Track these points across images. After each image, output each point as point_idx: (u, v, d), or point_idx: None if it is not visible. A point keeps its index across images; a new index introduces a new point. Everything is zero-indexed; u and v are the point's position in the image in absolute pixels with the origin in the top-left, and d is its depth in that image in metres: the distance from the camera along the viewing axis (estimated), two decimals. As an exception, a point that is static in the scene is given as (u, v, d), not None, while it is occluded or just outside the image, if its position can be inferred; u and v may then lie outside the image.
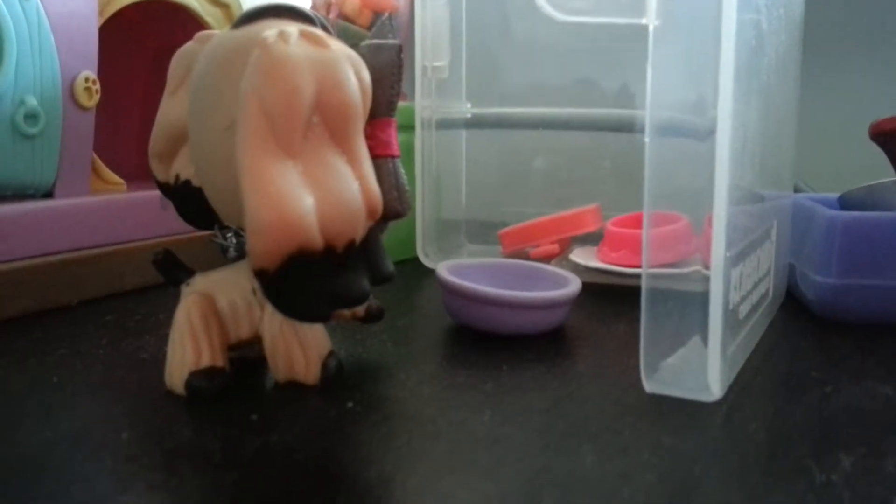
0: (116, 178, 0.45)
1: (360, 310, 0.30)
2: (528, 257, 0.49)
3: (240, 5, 0.54)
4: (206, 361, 0.26)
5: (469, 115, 0.53)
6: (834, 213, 0.35)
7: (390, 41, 0.24)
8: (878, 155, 0.43)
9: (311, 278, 0.20)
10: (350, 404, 0.26)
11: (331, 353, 0.28)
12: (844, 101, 0.70)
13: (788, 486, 0.20)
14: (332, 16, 0.51)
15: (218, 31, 0.26)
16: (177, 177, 0.28)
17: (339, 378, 0.27)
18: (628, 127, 0.49)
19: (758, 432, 0.23)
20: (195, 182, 0.26)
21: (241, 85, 0.20)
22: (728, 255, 0.24)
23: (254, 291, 0.27)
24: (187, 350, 0.26)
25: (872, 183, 0.40)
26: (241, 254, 0.28)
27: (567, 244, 0.49)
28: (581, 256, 0.46)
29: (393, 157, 0.24)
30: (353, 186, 0.21)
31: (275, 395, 0.27)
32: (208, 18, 0.51)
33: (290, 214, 0.19)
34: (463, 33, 0.51)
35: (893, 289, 0.34)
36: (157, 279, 0.44)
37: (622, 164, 0.52)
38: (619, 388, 0.27)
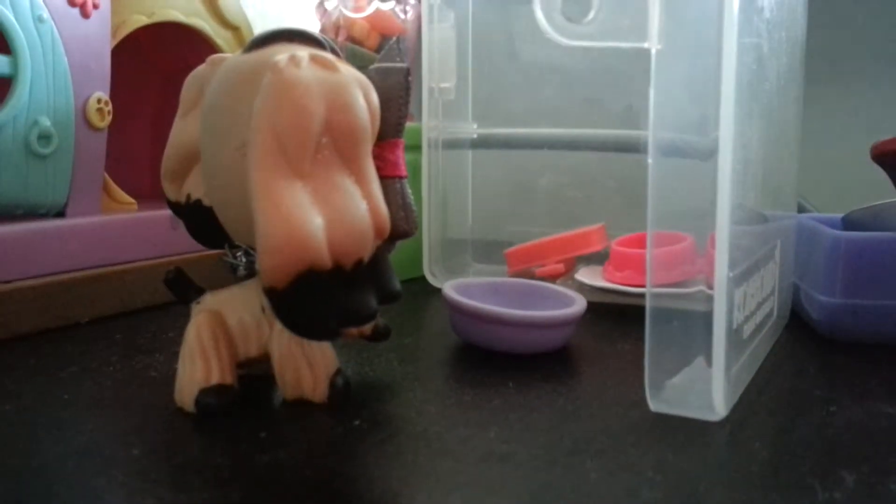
0: (127, 198, 0.46)
1: (368, 328, 0.31)
2: (533, 276, 0.49)
3: (250, 28, 0.54)
4: (215, 379, 0.26)
5: (475, 136, 0.53)
6: (838, 233, 0.36)
7: (398, 64, 0.24)
8: (882, 175, 0.43)
9: (320, 296, 0.20)
10: (357, 422, 0.26)
11: (338, 372, 0.28)
12: (848, 122, 0.70)
13: (792, 503, 0.20)
14: (340, 38, 0.52)
15: (230, 55, 0.26)
16: (188, 196, 0.28)
17: (346, 396, 0.28)
18: (633, 147, 0.49)
19: (761, 451, 0.24)
20: (206, 202, 0.27)
21: (252, 107, 0.21)
22: (731, 274, 0.24)
23: (262, 309, 0.27)
24: (197, 367, 0.26)
25: (876, 203, 0.41)
26: (251, 272, 0.29)
27: (572, 264, 0.50)
28: (586, 276, 0.46)
29: (401, 177, 0.25)
30: (362, 206, 0.21)
31: (283, 412, 0.27)
32: (219, 41, 0.52)
33: (301, 233, 0.20)
34: (469, 55, 0.52)
35: (897, 309, 0.35)
36: (167, 298, 0.44)
37: (627, 184, 0.52)
38: (624, 406, 0.27)
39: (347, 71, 0.22)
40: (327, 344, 0.28)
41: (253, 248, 0.26)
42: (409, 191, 0.25)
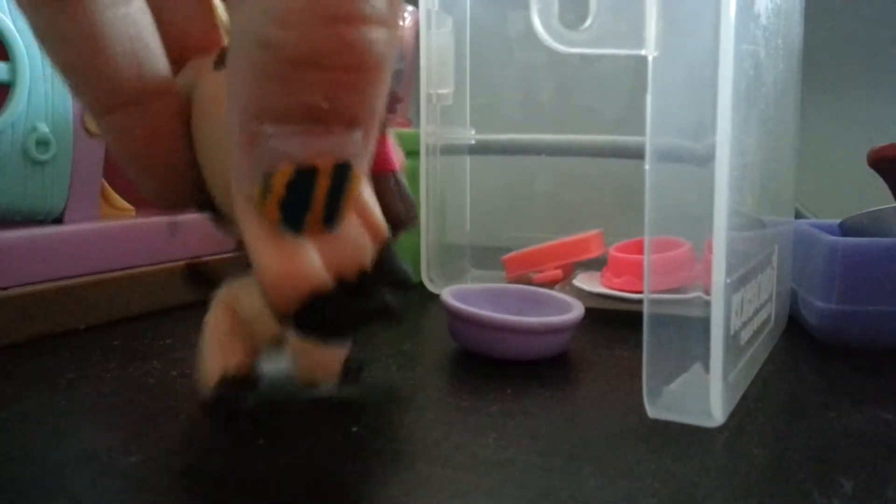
0: (125, 204, 0.46)
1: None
2: (531, 282, 0.49)
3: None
4: (232, 370, 0.26)
5: (473, 142, 0.53)
6: (835, 238, 0.36)
7: None
8: (879, 181, 0.43)
9: (329, 312, 0.20)
10: (355, 428, 0.26)
11: (348, 357, 0.27)
12: (845, 128, 0.70)
13: (790, 510, 0.20)
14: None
15: (205, 68, 0.24)
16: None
17: (356, 377, 0.27)
18: (631, 153, 0.49)
19: (760, 456, 0.24)
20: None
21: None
22: (728, 280, 0.24)
23: None
24: (215, 359, 0.26)
25: (873, 209, 0.41)
26: None
27: (570, 270, 0.50)
28: (584, 282, 0.46)
29: (393, 171, 0.24)
30: (354, 221, 0.21)
31: (281, 418, 0.27)
32: (217, 47, 0.52)
33: (296, 265, 0.19)
34: (467, 61, 0.52)
35: (894, 314, 0.35)
36: (165, 304, 0.44)
37: (625, 190, 0.52)
38: (623, 412, 0.27)
39: None
40: None
41: None
42: (403, 182, 0.25)
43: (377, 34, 0.16)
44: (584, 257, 0.49)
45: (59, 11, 0.19)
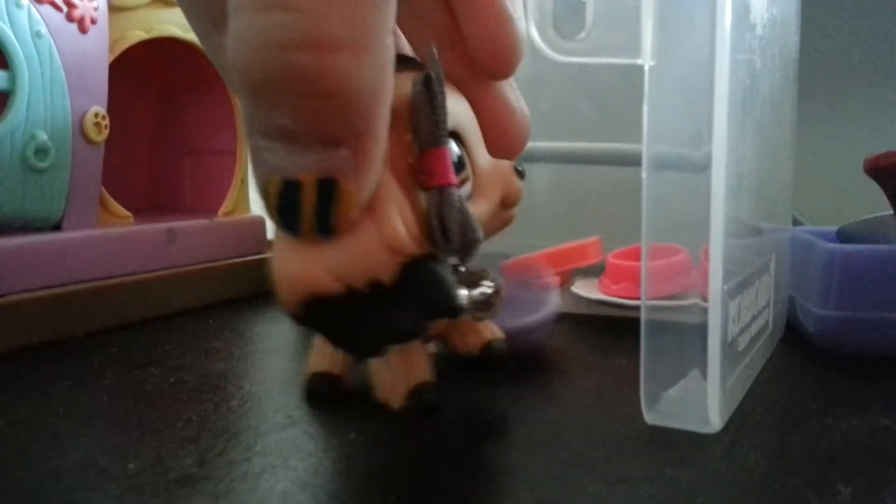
0: (124, 212, 0.46)
1: (476, 345, 0.30)
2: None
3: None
4: (323, 367, 0.29)
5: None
6: (833, 245, 0.36)
7: (421, 72, 0.24)
8: (877, 189, 0.43)
9: (336, 318, 0.20)
10: (353, 435, 0.26)
11: (426, 384, 0.27)
12: (842, 136, 0.70)
13: (788, 517, 0.20)
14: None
15: None
16: None
17: (428, 411, 0.27)
18: (629, 161, 0.49)
19: (758, 463, 0.24)
20: None
21: None
22: (725, 287, 0.24)
23: None
24: (314, 357, 0.29)
25: (871, 216, 0.41)
26: None
27: (569, 276, 0.50)
28: (583, 288, 0.46)
29: (445, 186, 0.23)
30: (368, 231, 0.20)
31: (277, 429, 0.27)
32: (216, 55, 0.52)
33: (295, 268, 0.20)
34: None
35: (893, 321, 0.35)
36: (163, 311, 0.44)
37: (623, 197, 0.52)
38: (621, 419, 0.27)
39: None
40: (421, 353, 0.27)
41: None
42: (454, 200, 0.23)
43: (337, 61, 0.16)
44: (583, 264, 0.49)
45: None
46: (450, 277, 0.22)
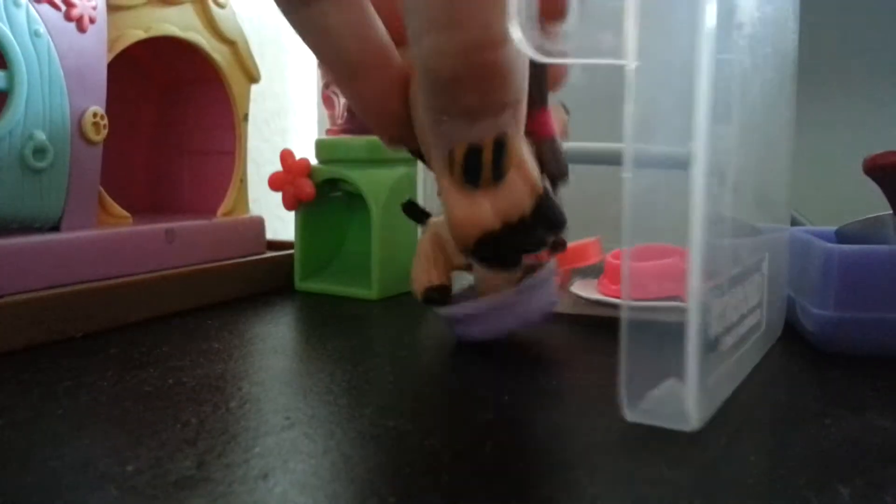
0: (122, 212, 0.46)
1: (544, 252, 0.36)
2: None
3: (246, 43, 0.55)
4: (435, 281, 0.38)
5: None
6: (832, 245, 0.36)
7: None
8: (876, 189, 0.43)
9: (498, 248, 0.27)
10: (353, 436, 0.26)
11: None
12: (841, 135, 0.70)
13: (788, 518, 0.20)
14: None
15: None
16: None
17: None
18: (609, 160, 0.49)
19: (757, 464, 0.24)
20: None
21: None
22: (707, 285, 0.24)
23: None
24: (423, 271, 0.38)
25: (870, 216, 0.41)
26: None
27: (568, 276, 0.50)
28: (582, 289, 0.46)
29: (551, 136, 0.30)
30: (515, 178, 0.26)
31: (277, 430, 0.27)
32: (216, 55, 0.52)
33: (472, 213, 0.26)
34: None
35: (891, 321, 0.35)
36: (162, 311, 0.44)
37: (621, 197, 0.52)
38: (620, 420, 0.27)
39: None
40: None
41: None
42: (559, 144, 0.30)
43: (505, 52, 0.22)
44: (582, 264, 0.49)
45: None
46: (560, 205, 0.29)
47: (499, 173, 0.25)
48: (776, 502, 0.21)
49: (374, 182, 0.51)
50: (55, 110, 0.39)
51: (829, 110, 0.71)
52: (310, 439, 0.26)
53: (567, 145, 0.31)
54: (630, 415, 0.26)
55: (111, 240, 0.43)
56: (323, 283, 0.54)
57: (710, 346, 0.26)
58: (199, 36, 0.50)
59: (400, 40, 0.27)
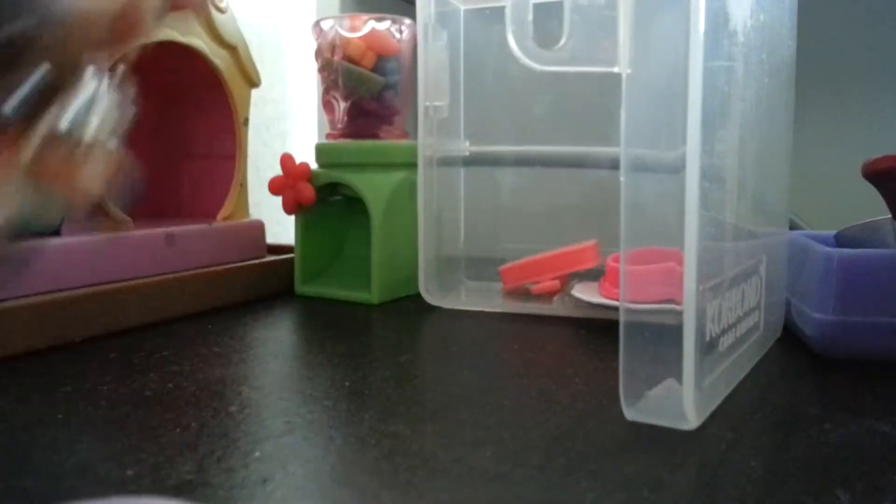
0: (123, 217, 0.46)
1: None
2: (529, 293, 0.49)
3: (247, 47, 0.55)
4: None
5: (467, 154, 0.53)
6: (831, 249, 0.36)
7: None
8: (875, 193, 0.43)
9: None
10: (352, 441, 0.26)
11: None
12: (840, 139, 0.71)
13: (787, 522, 0.20)
14: (336, 58, 0.52)
15: None
16: None
17: None
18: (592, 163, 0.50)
19: (756, 468, 0.24)
20: None
21: None
22: (702, 288, 0.24)
23: None
24: None
25: (869, 220, 0.41)
26: None
27: (566, 280, 0.50)
28: (583, 292, 0.46)
29: None
30: None
31: (276, 435, 0.27)
32: (216, 60, 0.52)
33: None
34: (461, 73, 0.52)
35: (890, 325, 0.35)
36: (162, 316, 0.44)
37: (619, 201, 0.52)
38: (620, 424, 0.27)
39: None
40: None
41: None
42: None
43: None
44: (580, 268, 0.49)
45: None
46: None
47: None
48: (775, 506, 0.21)
49: (374, 186, 0.52)
50: (56, 115, 0.39)
51: (829, 115, 0.71)
52: (309, 444, 0.26)
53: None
54: (629, 413, 0.26)
55: (111, 244, 0.43)
56: (323, 287, 0.54)
57: (707, 346, 0.26)
58: (199, 41, 0.50)
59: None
